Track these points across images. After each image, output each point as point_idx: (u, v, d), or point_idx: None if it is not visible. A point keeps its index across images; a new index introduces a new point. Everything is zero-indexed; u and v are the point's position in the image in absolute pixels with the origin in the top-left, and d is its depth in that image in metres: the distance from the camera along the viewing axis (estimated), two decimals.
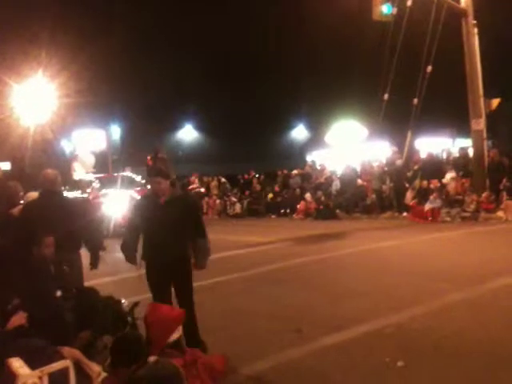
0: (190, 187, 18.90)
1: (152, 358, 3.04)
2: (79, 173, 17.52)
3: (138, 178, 17.77)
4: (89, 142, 28.42)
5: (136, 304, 4.54)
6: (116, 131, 36.05)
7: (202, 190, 19.72)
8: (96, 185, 16.04)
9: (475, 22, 16.14)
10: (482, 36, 16.23)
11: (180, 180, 21.38)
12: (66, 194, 16.13)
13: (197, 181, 20.00)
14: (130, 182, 17.04)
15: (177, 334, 3.45)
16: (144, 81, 28.80)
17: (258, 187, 21.75)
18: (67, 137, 28.17)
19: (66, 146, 27.19)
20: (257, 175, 23.69)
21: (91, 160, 18.74)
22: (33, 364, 2.76)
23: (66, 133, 26.53)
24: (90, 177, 16.92)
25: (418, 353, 4.48)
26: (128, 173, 18.18)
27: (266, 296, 6.89)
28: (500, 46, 22.48)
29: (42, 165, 15.75)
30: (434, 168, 17.00)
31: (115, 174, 18.11)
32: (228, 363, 4.01)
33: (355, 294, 6.61)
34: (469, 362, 4.20)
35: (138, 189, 16.25)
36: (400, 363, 4.24)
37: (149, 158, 19.00)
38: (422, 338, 4.82)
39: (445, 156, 19.17)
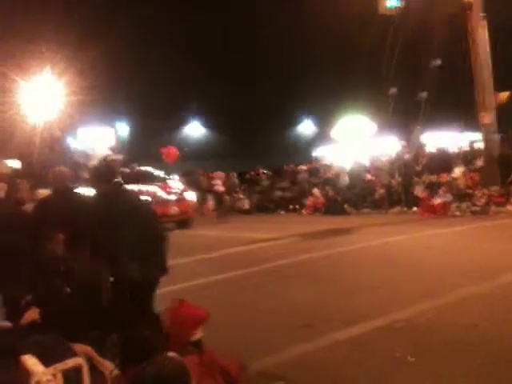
0: (212, 184, 18.25)
1: (171, 354, 3.04)
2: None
3: (158, 173, 17.29)
4: (97, 140, 28.44)
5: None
6: (123, 128, 36.11)
7: (222, 188, 18.74)
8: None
9: (484, 14, 16.00)
10: (492, 29, 16.09)
11: (188, 175, 21.05)
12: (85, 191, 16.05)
13: (220, 176, 18.84)
14: (151, 177, 16.56)
15: (198, 334, 3.42)
16: (151, 77, 28.82)
17: (267, 183, 21.72)
18: (74, 134, 28.27)
19: (73, 143, 27.30)
20: (265, 171, 23.62)
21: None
22: (46, 360, 2.77)
23: (73, 130, 26.64)
24: None
25: (427, 348, 4.44)
26: (148, 168, 17.70)
27: (275, 292, 6.87)
28: (511, 39, 22.25)
29: (49, 162, 15.81)
30: (443, 162, 16.93)
31: (136, 169, 17.21)
32: (243, 368, 3.98)
33: (364, 289, 6.58)
34: (479, 358, 4.15)
35: (160, 184, 15.95)
36: (410, 358, 4.21)
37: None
38: (432, 333, 4.78)
39: (456, 150, 19.08)
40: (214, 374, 3.12)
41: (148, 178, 16.34)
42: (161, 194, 15.33)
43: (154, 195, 14.90)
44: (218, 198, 18.25)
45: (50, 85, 20.48)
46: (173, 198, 15.55)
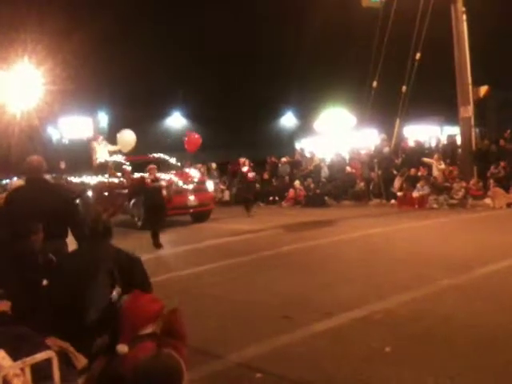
0: (243, 171, 16.42)
1: (121, 347, 2.94)
2: (102, 155, 16.50)
3: (173, 161, 15.95)
4: (77, 130, 28.04)
5: (122, 294, 4.46)
6: (103, 118, 35.69)
7: (251, 174, 16.66)
8: (127, 168, 14.47)
9: (464, 9, 16.10)
10: (473, 24, 16.21)
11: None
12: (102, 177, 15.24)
13: (247, 162, 16.75)
14: (166, 165, 15.15)
15: (151, 328, 3.27)
16: (132, 68, 28.46)
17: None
18: (54, 124, 27.87)
19: (53, 133, 26.93)
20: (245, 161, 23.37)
21: (130, 137, 16.81)
22: (16, 352, 2.70)
23: (52, 120, 26.24)
24: (119, 159, 15.52)
25: (408, 339, 4.49)
26: (162, 155, 16.45)
27: (255, 283, 6.88)
28: (491, 34, 22.48)
29: (27, 152, 15.49)
30: (422, 156, 17.07)
31: (150, 156, 15.70)
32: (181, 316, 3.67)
33: (344, 281, 6.62)
34: (458, 348, 4.21)
35: (174, 172, 14.67)
36: (387, 349, 4.24)
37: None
38: (412, 324, 4.83)
39: (434, 143, 19.26)
40: (175, 346, 3.01)
41: (163, 166, 14.79)
42: (178, 182, 14.07)
43: (169, 184, 13.47)
44: (249, 186, 16.39)
45: (30, 74, 20.08)
46: (191, 187, 14.23)
